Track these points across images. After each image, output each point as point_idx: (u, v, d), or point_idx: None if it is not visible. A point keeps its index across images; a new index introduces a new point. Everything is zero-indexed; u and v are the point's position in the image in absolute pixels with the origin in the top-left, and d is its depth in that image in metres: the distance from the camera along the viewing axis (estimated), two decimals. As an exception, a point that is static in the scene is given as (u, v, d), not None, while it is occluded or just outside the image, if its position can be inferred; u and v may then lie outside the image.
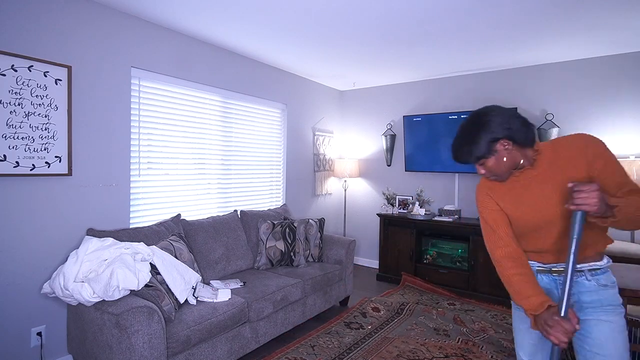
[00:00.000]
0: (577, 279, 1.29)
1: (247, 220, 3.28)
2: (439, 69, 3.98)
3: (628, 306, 2.03)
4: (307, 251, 3.28)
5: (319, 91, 4.67)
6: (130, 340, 1.76)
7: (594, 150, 1.19)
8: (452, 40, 3.08)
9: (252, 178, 3.79)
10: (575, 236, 1.14)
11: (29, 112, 2.12)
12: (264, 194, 3.96)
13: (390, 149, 4.60)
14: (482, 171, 1.32)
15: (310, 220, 3.37)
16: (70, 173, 2.31)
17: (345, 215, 4.90)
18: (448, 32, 2.90)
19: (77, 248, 2.03)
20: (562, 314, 1.14)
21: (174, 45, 2.94)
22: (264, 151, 3.92)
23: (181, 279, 2.19)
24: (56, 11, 2.25)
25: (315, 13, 2.56)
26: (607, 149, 1.20)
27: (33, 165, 2.15)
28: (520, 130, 1.23)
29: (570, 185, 1.12)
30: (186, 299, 2.22)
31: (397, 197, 4.48)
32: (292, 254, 3.18)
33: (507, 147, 1.23)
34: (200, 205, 3.26)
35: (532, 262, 1.37)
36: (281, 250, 3.16)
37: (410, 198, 4.41)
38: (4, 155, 2.03)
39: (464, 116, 3.94)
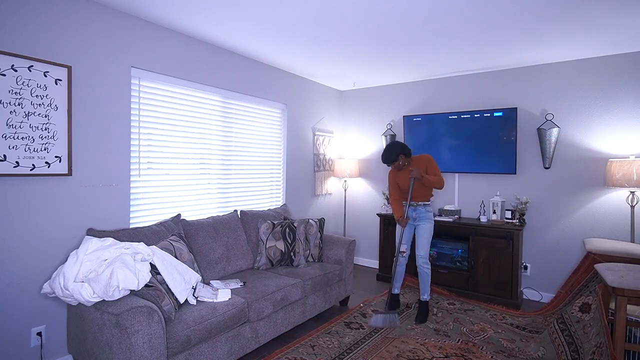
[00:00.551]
0: (416, 207, 3.17)
1: (247, 220, 3.28)
2: (439, 69, 3.98)
3: (628, 306, 2.03)
4: (307, 251, 3.28)
5: (319, 91, 4.67)
6: (130, 340, 1.76)
7: (427, 162, 3.13)
8: (452, 40, 3.08)
9: (252, 178, 3.79)
10: (410, 190, 3.06)
11: (29, 112, 2.12)
12: (264, 194, 3.96)
13: (390, 149, 4.60)
14: (392, 166, 3.16)
15: (310, 220, 3.37)
16: (70, 173, 2.31)
17: (345, 215, 4.90)
18: (448, 32, 2.90)
19: (77, 248, 2.03)
20: (405, 217, 3.14)
21: (174, 45, 2.94)
22: (264, 151, 3.92)
23: (181, 279, 2.19)
24: (56, 11, 2.25)
25: (315, 13, 2.56)
26: (433, 161, 3.14)
27: (33, 165, 2.15)
28: (406, 150, 3.12)
29: (411, 169, 3.02)
30: (186, 299, 2.22)
31: (397, 197, 4.48)
32: (292, 254, 3.18)
33: (401, 157, 3.10)
34: (200, 205, 3.26)
35: (404, 202, 3.21)
36: (281, 250, 3.16)
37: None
38: (4, 155, 2.03)
39: (464, 116, 3.96)
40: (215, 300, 2.30)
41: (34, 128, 2.14)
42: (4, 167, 2.04)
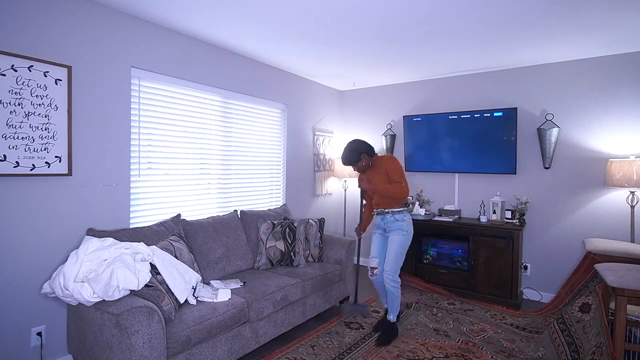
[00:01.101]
0: (384, 216, 2.79)
1: (247, 220, 3.28)
2: (439, 69, 3.98)
3: (628, 306, 2.03)
4: (307, 251, 3.28)
5: (319, 91, 4.67)
6: (130, 340, 1.76)
7: (388, 164, 2.71)
8: (452, 40, 3.08)
9: (252, 178, 3.79)
10: (361, 198, 2.95)
11: (29, 112, 2.12)
12: (264, 194, 3.96)
13: (391, 149, 4.60)
14: (354, 168, 2.83)
15: (310, 220, 3.37)
16: (70, 173, 2.31)
17: (345, 215, 4.90)
18: (448, 32, 2.90)
19: (77, 248, 2.03)
20: (360, 227, 2.99)
21: (174, 45, 2.94)
22: (264, 151, 3.92)
23: (181, 279, 2.19)
24: (56, 11, 2.25)
25: (316, 13, 2.56)
26: (395, 163, 2.72)
27: (33, 165, 2.15)
28: (369, 150, 2.79)
29: (360, 178, 2.84)
30: (186, 299, 2.22)
31: (397, 197, 4.48)
32: (292, 254, 3.18)
33: (364, 157, 2.77)
34: (200, 205, 3.26)
35: (374, 210, 2.88)
36: (281, 250, 3.16)
37: (411, 198, 4.41)
38: (4, 155, 2.03)
39: (464, 116, 3.96)
40: (215, 300, 2.30)
41: (34, 128, 2.14)
42: (4, 167, 2.04)
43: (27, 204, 2.16)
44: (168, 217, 2.80)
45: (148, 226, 2.53)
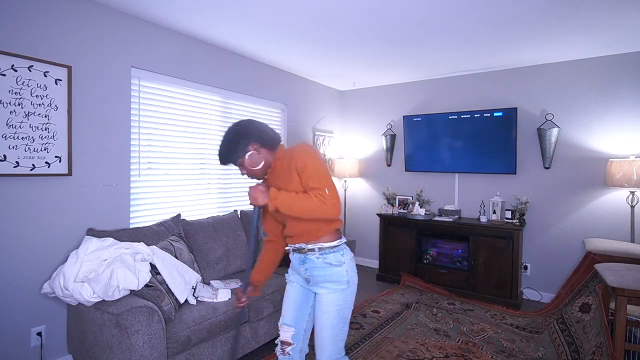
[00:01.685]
0: (306, 255, 1.54)
1: (247, 220, 3.28)
2: (439, 69, 3.98)
3: (628, 306, 2.03)
4: (307, 251, 3.27)
5: (319, 91, 4.67)
6: (130, 340, 1.75)
7: (299, 161, 1.47)
8: (452, 40, 3.08)
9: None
10: (255, 223, 1.53)
11: (29, 112, 2.12)
12: (264, 194, 3.95)
13: (390, 149, 4.60)
14: (242, 171, 1.59)
15: (310, 220, 3.36)
16: (70, 173, 2.31)
17: (345, 215, 4.89)
18: (448, 32, 2.90)
19: (77, 248, 2.03)
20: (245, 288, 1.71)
21: (174, 45, 2.94)
22: (264, 151, 3.91)
23: (181, 279, 2.19)
24: (56, 11, 2.25)
25: (316, 13, 2.56)
26: (310, 156, 1.47)
27: (33, 165, 2.15)
28: (264, 136, 1.56)
29: (250, 187, 1.47)
30: (186, 299, 2.22)
31: (397, 197, 4.48)
32: (292, 254, 3.16)
33: (253, 148, 1.53)
34: (200, 205, 3.26)
35: (288, 246, 1.64)
36: (281, 250, 3.15)
37: (410, 198, 4.42)
38: (4, 155, 2.03)
39: (464, 116, 3.95)
40: (215, 300, 2.30)
41: (34, 128, 2.14)
42: (4, 167, 2.04)
43: (27, 204, 2.16)
44: (168, 217, 2.80)
45: (148, 226, 2.53)
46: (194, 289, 2.32)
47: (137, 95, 2.73)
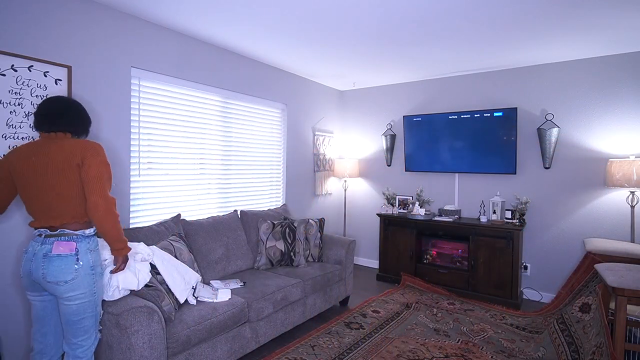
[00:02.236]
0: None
1: (247, 220, 3.28)
2: (439, 69, 3.98)
3: (628, 306, 2.03)
4: (307, 251, 3.28)
5: (319, 91, 4.67)
6: (130, 340, 1.76)
7: (90, 158, 1.75)
8: (452, 40, 3.08)
9: (252, 178, 3.79)
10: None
11: (29, 112, 2.12)
12: (264, 194, 3.96)
13: (390, 149, 4.60)
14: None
15: (310, 220, 3.37)
16: (70, 173, 2.31)
17: (345, 215, 4.90)
18: (448, 32, 2.90)
19: (77, 248, 2.03)
20: None
21: (174, 45, 2.94)
22: (264, 151, 3.92)
23: (181, 279, 2.19)
24: (56, 11, 2.25)
25: (316, 13, 2.56)
26: (99, 156, 1.77)
27: (33, 165, 2.14)
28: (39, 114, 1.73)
29: None
30: (186, 299, 2.22)
31: (397, 197, 4.48)
32: (292, 254, 3.18)
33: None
34: (200, 205, 3.26)
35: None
36: (281, 250, 3.16)
37: (410, 198, 4.42)
38: (4, 156, 2.03)
39: (464, 116, 3.95)
40: (215, 300, 2.30)
41: (34, 128, 2.14)
42: (4, 167, 2.03)
43: (27, 204, 2.16)
44: (168, 217, 2.80)
45: (148, 226, 2.53)
46: (194, 289, 2.32)
47: (137, 95, 2.73)
